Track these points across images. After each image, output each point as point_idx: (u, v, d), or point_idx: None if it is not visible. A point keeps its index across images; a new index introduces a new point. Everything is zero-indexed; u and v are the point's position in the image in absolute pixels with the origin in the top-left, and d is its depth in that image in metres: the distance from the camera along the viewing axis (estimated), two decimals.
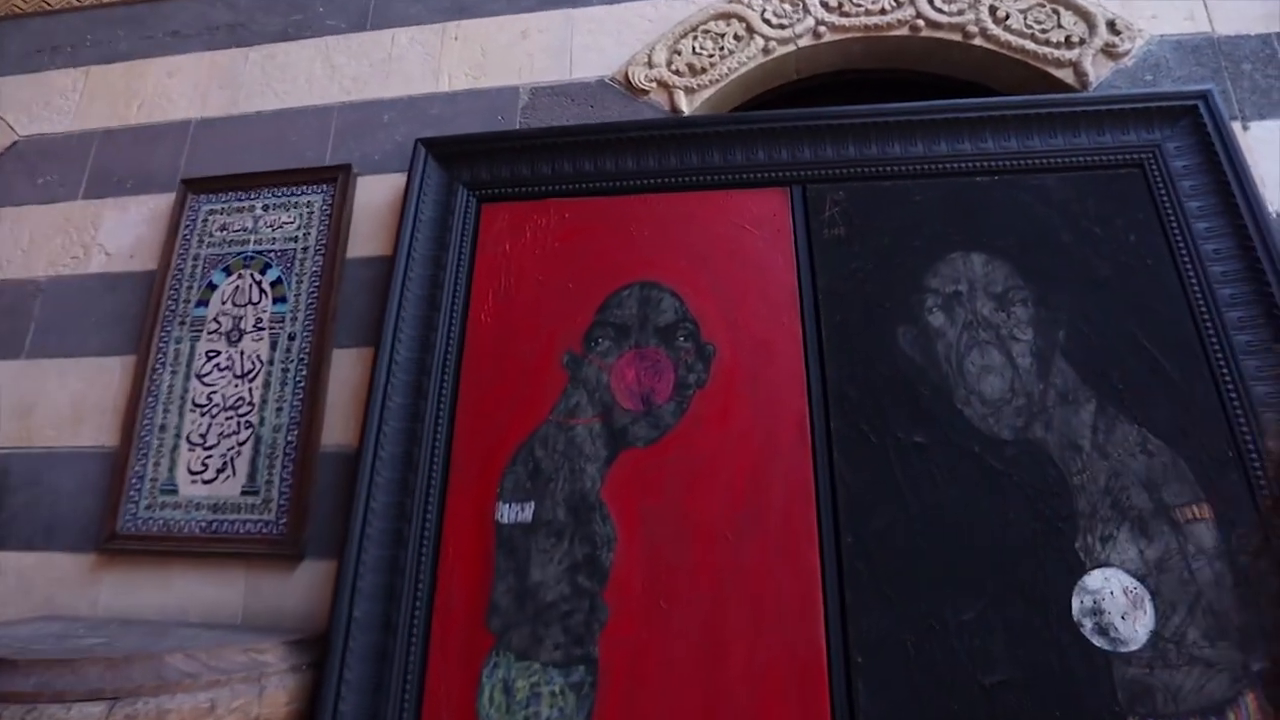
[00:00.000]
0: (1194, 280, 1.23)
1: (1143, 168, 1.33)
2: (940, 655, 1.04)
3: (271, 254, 1.58)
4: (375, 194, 1.62)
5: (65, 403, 1.59)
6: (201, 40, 1.92)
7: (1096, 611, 1.04)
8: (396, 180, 1.61)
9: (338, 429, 1.44)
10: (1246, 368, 1.16)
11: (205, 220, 1.65)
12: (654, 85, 1.60)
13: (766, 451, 1.17)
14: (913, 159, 1.38)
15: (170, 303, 1.59)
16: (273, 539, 1.38)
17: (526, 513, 1.18)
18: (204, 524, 1.41)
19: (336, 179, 1.61)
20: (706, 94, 1.59)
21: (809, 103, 1.70)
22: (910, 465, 1.14)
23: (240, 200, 1.65)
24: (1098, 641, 1.03)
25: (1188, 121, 1.34)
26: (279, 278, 1.56)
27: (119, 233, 1.73)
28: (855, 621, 1.07)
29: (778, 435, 1.18)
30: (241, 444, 1.45)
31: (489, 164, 1.50)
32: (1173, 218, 1.28)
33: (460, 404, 1.29)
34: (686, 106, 1.58)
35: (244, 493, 1.41)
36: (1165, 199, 1.30)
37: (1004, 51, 1.53)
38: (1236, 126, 1.40)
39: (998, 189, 1.35)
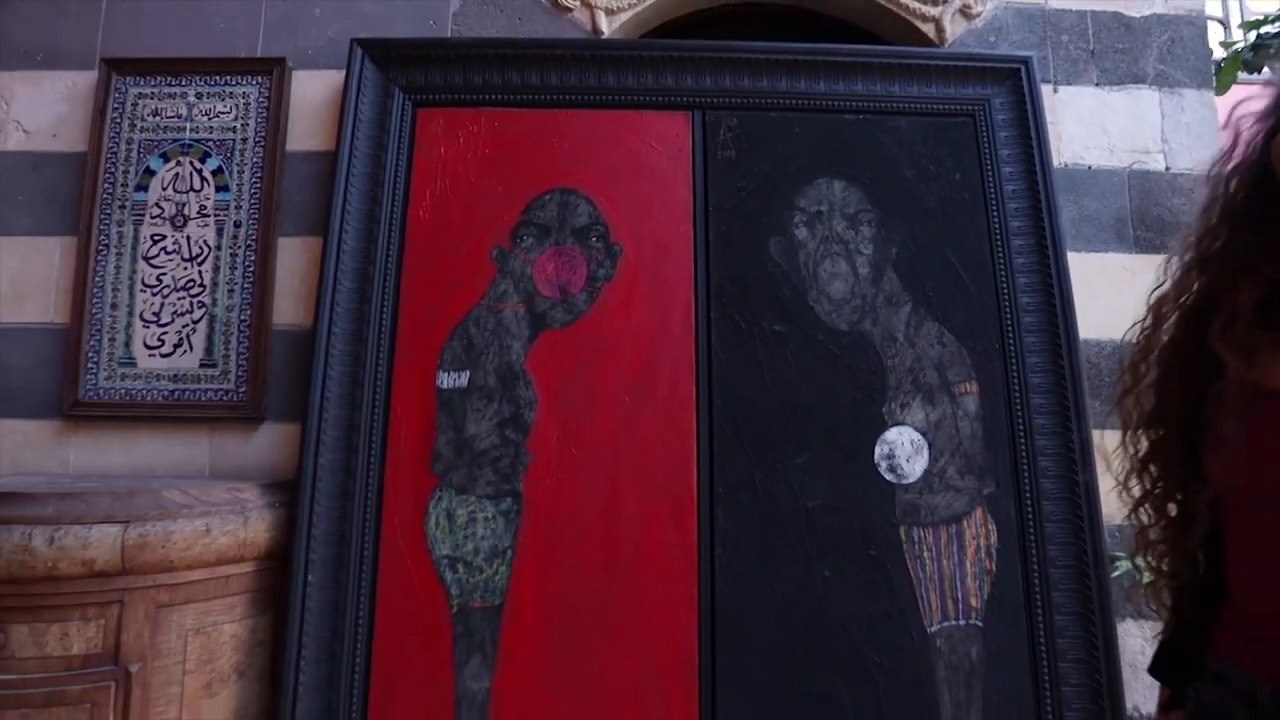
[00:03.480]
0: (995, 214, 1.57)
1: (974, 118, 1.63)
2: (779, 488, 1.41)
3: (210, 143, 1.66)
4: (311, 89, 1.71)
5: (3, 281, 1.65)
6: None
7: (890, 456, 1.43)
8: (332, 77, 1.70)
9: (288, 309, 1.61)
10: (1019, 283, 1.53)
11: (135, 104, 1.68)
12: (578, 4, 1.73)
13: (659, 334, 1.46)
14: (796, 94, 1.62)
15: (107, 186, 1.65)
16: (233, 405, 1.57)
17: (463, 380, 1.43)
18: (166, 393, 1.57)
19: (272, 72, 1.68)
20: (625, 16, 1.75)
21: (719, 29, 1.90)
22: (770, 349, 1.47)
23: (171, 86, 1.68)
24: (889, 477, 1.42)
25: (1011, 83, 1.64)
26: (220, 167, 1.65)
27: (35, 109, 1.73)
28: (720, 465, 1.42)
29: (669, 322, 1.47)
30: (196, 322, 1.59)
31: (424, 70, 1.62)
32: (988, 163, 1.60)
33: (403, 289, 1.49)
34: (606, 27, 1.73)
35: (203, 365, 1.58)
36: (986, 147, 1.61)
37: (883, 2, 1.76)
38: (1048, 90, 1.72)
39: (861, 127, 1.62)
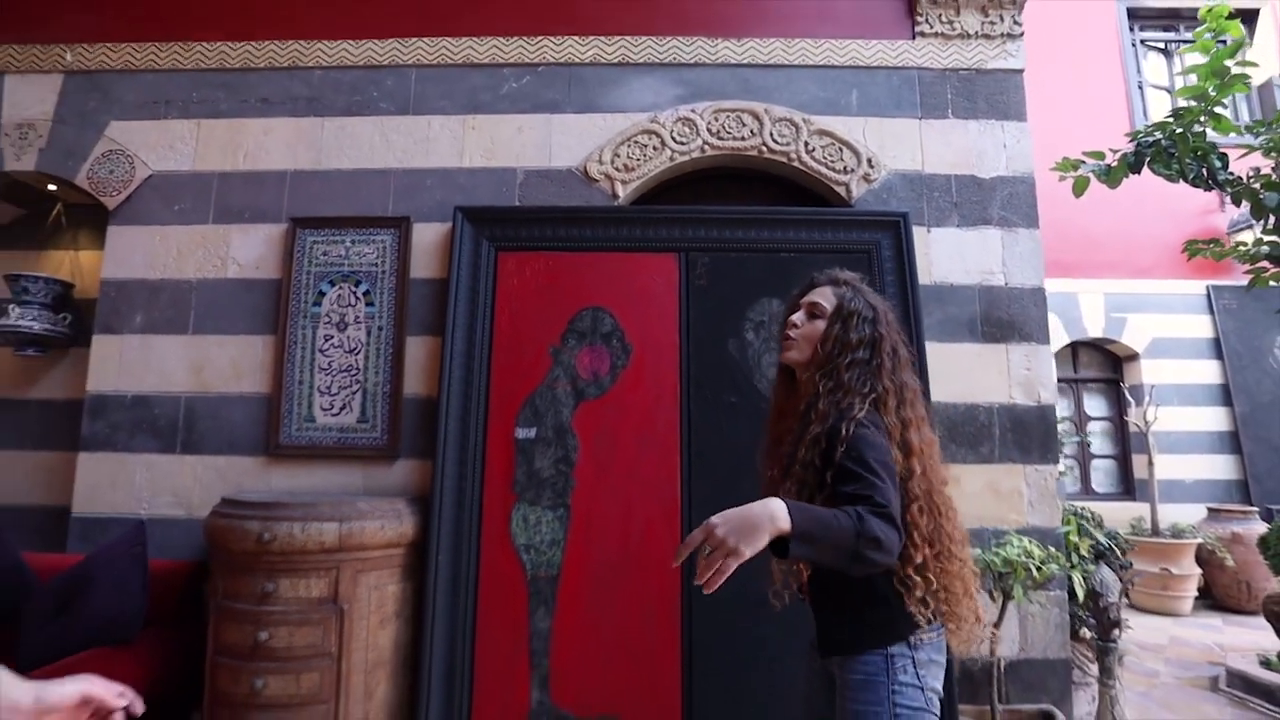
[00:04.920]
0: None
1: (869, 254, 2.48)
2: (730, 502, 2.24)
3: (361, 273, 2.56)
4: (425, 236, 2.60)
5: (227, 365, 2.55)
6: (286, 108, 2.77)
7: None
8: (439, 227, 2.60)
9: (414, 384, 2.49)
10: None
11: (310, 247, 2.59)
12: (603, 177, 2.63)
13: (656, 404, 2.31)
14: (748, 241, 2.48)
15: (294, 302, 2.55)
16: (379, 448, 2.44)
17: (531, 433, 2.30)
18: (335, 439, 2.45)
19: (400, 226, 2.58)
20: (635, 184, 2.63)
21: (701, 187, 2.78)
22: (726, 412, 2.31)
23: (334, 236, 2.59)
24: None
25: (894, 230, 2.49)
26: (368, 290, 2.54)
27: (245, 250, 2.65)
28: (694, 487, 2.26)
29: (662, 395, 2.32)
30: (354, 394, 2.48)
31: (501, 226, 2.51)
32: (878, 284, 2.45)
33: (493, 373, 2.36)
34: (622, 193, 2.62)
35: (359, 422, 2.46)
36: (877, 273, 2.46)
37: (811, 171, 2.63)
38: (923, 230, 2.57)
39: (793, 262, 2.48)
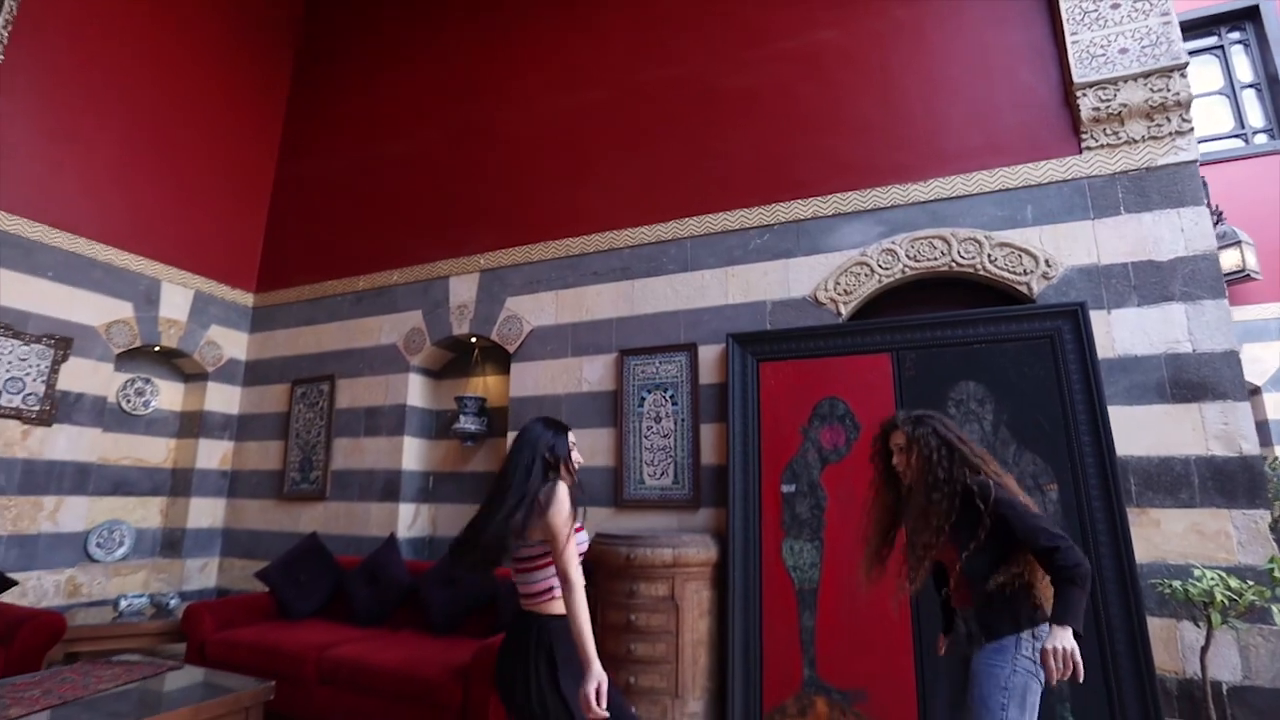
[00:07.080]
0: (1065, 392, 3.11)
1: (1052, 340, 3.21)
2: None
3: (667, 383, 3.95)
4: (707, 355, 3.92)
5: (586, 449, 4.08)
6: (608, 277, 4.35)
7: None
8: (716, 348, 3.90)
9: (708, 456, 3.76)
10: (1080, 427, 3.04)
11: (633, 368, 4.06)
12: (828, 300, 3.73)
13: None
14: (946, 338, 3.37)
15: (626, 406, 4.01)
16: (687, 500, 3.73)
17: (792, 488, 3.40)
18: (658, 495, 3.80)
19: (690, 349, 3.93)
20: (854, 303, 3.69)
21: (904, 297, 3.74)
22: None
23: (647, 359, 4.03)
24: None
25: (1073, 319, 3.20)
26: (672, 394, 3.92)
27: (592, 373, 4.21)
28: None
29: None
30: (668, 464, 3.82)
31: (759, 344, 3.72)
32: (1060, 365, 3.16)
33: (762, 447, 3.53)
34: (844, 311, 3.68)
35: (672, 483, 3.79)
36: (1059, 355, 3.18)
37: (994, 277, 3.45)
38: (1103, 314, 3.22)
39: (985, 352, 3.30)
